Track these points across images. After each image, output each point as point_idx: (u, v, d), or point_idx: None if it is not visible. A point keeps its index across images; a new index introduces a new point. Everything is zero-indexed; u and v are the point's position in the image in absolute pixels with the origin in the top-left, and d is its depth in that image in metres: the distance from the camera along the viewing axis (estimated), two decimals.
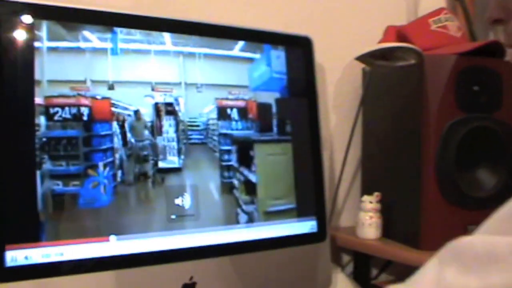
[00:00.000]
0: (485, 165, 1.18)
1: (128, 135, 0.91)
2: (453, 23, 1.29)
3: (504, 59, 1.19)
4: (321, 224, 1.12)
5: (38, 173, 0.82)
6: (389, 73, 1.24)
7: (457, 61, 1.12)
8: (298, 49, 1.13)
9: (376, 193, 1.24)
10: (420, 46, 1.18)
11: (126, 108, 0.90)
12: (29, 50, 0.83)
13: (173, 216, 0.94)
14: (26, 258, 0.80)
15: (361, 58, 1.13)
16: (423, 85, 1.12)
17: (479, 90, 1.14)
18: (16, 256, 0.80)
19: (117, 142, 0.89)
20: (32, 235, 0.81)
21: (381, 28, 1.35)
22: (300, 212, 1.09)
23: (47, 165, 0.83)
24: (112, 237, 0.87)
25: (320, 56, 1.19)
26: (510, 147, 1.17)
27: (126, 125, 0.91)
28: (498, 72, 1.16)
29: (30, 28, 0.84)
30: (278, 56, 1.10)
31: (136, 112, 0.92)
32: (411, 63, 1.11)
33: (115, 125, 0.89)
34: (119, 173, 0.89)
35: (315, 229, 1.11)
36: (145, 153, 0.93)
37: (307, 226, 1.10)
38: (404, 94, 1.20)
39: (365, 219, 1.24)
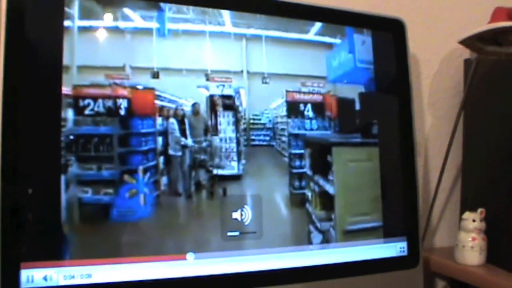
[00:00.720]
0: None
1: (187, 133, 0.78)
2: None
3: None
4: (413, 247, 1.00)
5: (62, 177, 0.71)
6: (501, 62, 1.07)
7: None
8: (388, 34, 1.00)
9: (480, 210, 1.12)
10: None
11: (173, 101, 0.77)
12: (57, 29, 0.73)
13: (230, 234, 0.81)
14: (45, 279, 0.71)
15: (467, 42, 0.98)
16: None
17: None
18: (33, 276, 0.70)
19: (161, 142, 0.76)
20: (53, 252, 0.72)
21: (487, 12, 1.17)
22: (387, 232, 0.96)
23: (74, 169, 0.72)
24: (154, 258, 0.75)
25: (414, 44, 1.08)
26: None
27: (186, 121, 0.78)
28: None
29: (59, 3, 0.72)
30: (363, 42, 0.98)
31: (194, 105, 0.80)
32: None
33: (172, 120, 0.78)
34: (163, 180, 0.75)
35: (405, 252, 0.98)
36: (202, 157, 0.79)
37: (395, 248, 0.97)
38: None
39: (466, 241, 1.11)
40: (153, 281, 0.75)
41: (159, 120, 0.76)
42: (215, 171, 0.80)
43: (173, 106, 0.77)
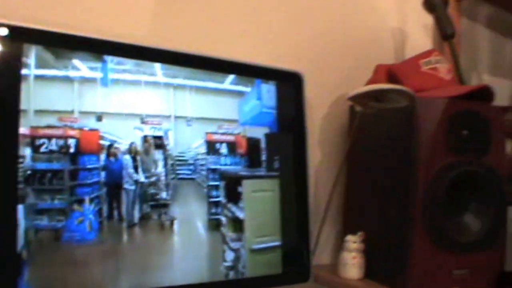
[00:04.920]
0: (471, 209, 1.18)
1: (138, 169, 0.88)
2: (443, 65, 1.30)
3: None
4: (305, 263, 1.11)
5: (21, 207, 0.78)
6: (380, 113, 1.23)
7: (449, 105, 1.12)
8: (289, 85, 1.13)
9: (360, 233, 1.23)
10: (410, 86, 1.19)
11: (114, 141, 0.87)
12: (16, 77, 0.80)
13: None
14: None
15: (354, 99, 1.12)
16: (414, 128, 1.11)
17: (469, 134, 1.14)
18: None
19: (103, 176, 0.86)
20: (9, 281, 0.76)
21: (370, 65, 1.35)
22: (284, 250, 1.08)
23: (31, 199, 0.79)
24: None
25: (310, 91, 1.19)
26: (496, 192, 1.17)
27: (138, 158, 0.88)
28: (487, 117, 1.17)
29: (18, 54, 0.80)
30: (268, 91, 1.09)
31: (131, 145, 0.90)
32: (403, 105, 1.11)
33: (127, 157, 0.87)
34: (106, 208, 0.86)
35: (299, 268, 1.11)
36: (153, 191, 0.90)
37: (291, 264, 1.09)
38: (394, 135, 1.20)
39: (348, 259, 1.23)
40: None
41: (102, 156, 0.87)
42: (154, 202, 0.92)
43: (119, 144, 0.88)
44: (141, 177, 0.89)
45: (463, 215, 1.18)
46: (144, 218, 0.89)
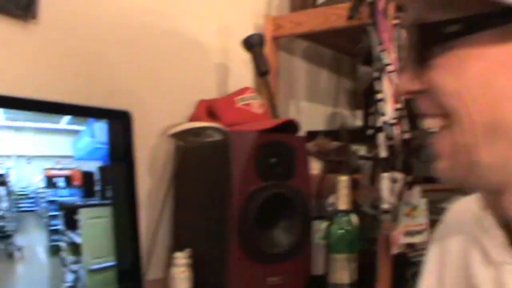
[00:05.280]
0: (281, 225, 1.42)
1: None
2: (256, 101, 1.53)
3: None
4: (137, 279, 1.25)
5: None
6: (199, 147, 1.43)
7: (258, 137, 1.35)
8: (119, 122, 1.27)
9: (187, 250, 1.40)
10: (226, 120, 1.40)
11: None
12: None
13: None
14: None
15: (175, 135, 1.30)
16: (229, 158, 1.33)
17: (276, 161, 1.38)
18: None
19: None
20: None
21: (195, 100, 1.54)
22: (119, 269, 1.21)
23: None
24: None
25: (139, 125, 1.33)
26: (301, 210, 1.41)
27: None
28: (292, 146, 1.41)
29: None
30: (101, 128, 1.23)
31: None
32: (218, 139, 1.32)
33: None
34: None
35: (133, 284, 1.24)
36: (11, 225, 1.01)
37: (126, 280, 1.23)
38: (213, 164, 1.40)
39: (177, 273, 1.39)
40: None
41: None
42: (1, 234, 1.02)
43: None
44: None
45: (273, 231, 1.42)
46: None
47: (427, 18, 0.58)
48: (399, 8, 1.42)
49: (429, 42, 0.57)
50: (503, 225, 0.64)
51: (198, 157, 1.46)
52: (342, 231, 1.44)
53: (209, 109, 1.51)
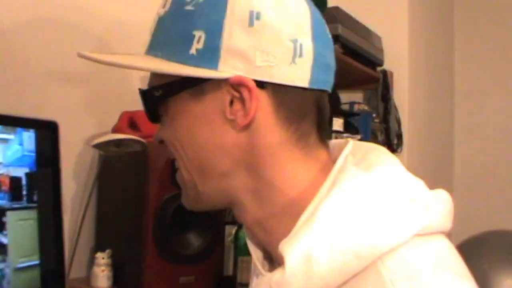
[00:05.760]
0: (194, 229, 1.55)
1: None
2: None
3: None
4: (60, 277, 1.35)
5: None
6: (119, 156, 1.55)
7: None
8: (47, 131, 1.37)
9: (108, 250, 1.53)
10: (146, 131, 1.52)
11: None
12: None
13: None
14: None
15: (96, 146, 1.41)
16: (146, 167, 1.45)
17: None
18: None
19: None
20: None
21: (119, 111, 1.65)
22: (43, 267, 1.31)
23: None
24: None
25: (66, 133, 1.42)
26: (214, 215, 1.56)
27: None
28: None
29: None
30: (29, 137, 1.32)
31: None
32: (137, 150, 1.44)
33: None
34: None
35: (56, 282, 1.34)
36: None
37: (49, 279, 1.32)
38: (132, 173, 1.52)
39: (98, 272, 1.52)
40: None
41: None
42: None
43: None
44: None
45: (187, 234, 1.55)
46: None
47: (149, 84, 0.75)
48: None
49: (148, 103, 0.75)
50: (261, 244, 0.78)
51: (119, 166, 1.58)
52: None
53: (130, 120, 1.62)
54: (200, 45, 0.67)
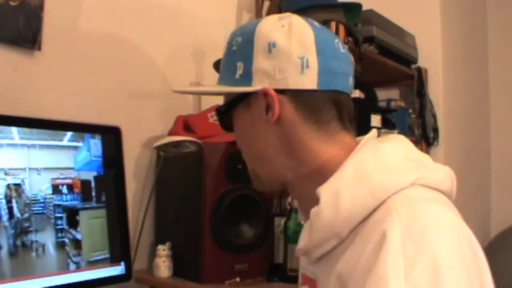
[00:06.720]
0: (247, 221, 1.67)
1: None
2: None
3: None
4: (128, 268, 1.50)
5: None
6: (178, 156, 1.69)
7: (227, 148, 1.61)
8: (111, 137, 1.51)
9: (168, 243, 1.67)
10: (200, 133, 1.65)
11: None
12: None
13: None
14: None
15: (158, 147, 1.55)
16: (202, 165, 1.59)
17: (242, 167, 1.61)
18: None
19: None
20: None
21: (174, 116, 1.79)
22: (112, 260, 1.46)
23: None
24: None
25: (128, 138, 1.57)
26: (264, 208, 1.67)
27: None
28: None
29: None
30: (95, 144, 1.47)
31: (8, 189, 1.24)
32: (194, 150, 1.57)
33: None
34: None
35: (123, 272, 1.49)
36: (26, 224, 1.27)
37: (118, 269, 1.48)
38: (189, 171, 1.66)
39: (159, 263, 1.66)
40: None
41: None
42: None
43: None
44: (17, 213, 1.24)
45: (241, 226, 1.67)
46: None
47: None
48: None
49: (219, 117, 1.00)
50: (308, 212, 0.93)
51: (177, 165, 1.72)
52: (297, 225, 1.69)
53: (185, 124, 1.75)
54: (240, 71, 0.92)
